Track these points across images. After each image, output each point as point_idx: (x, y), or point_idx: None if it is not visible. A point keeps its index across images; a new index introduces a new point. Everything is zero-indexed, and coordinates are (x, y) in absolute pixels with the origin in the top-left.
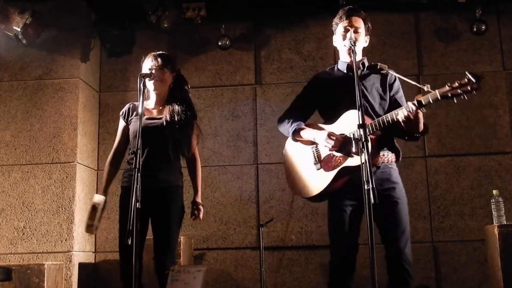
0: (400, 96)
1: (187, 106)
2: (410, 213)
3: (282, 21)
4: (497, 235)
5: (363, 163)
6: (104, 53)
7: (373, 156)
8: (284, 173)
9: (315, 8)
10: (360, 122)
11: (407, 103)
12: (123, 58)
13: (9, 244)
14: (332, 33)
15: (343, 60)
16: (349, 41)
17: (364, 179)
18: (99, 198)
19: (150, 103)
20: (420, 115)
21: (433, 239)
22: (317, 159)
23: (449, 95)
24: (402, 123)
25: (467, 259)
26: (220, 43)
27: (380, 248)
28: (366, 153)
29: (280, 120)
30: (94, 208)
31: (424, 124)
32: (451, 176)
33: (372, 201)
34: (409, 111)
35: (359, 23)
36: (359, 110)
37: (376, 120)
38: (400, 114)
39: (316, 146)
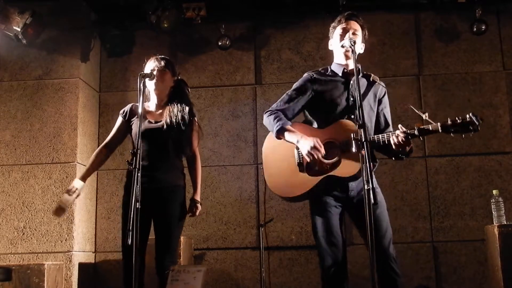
0: (387, 111)
1: (185, 106)
2: (410, 213)
3: (282, 21)
4: (497, 235)
5: (363, 163)
6: (104, 53)
7: (357, 168)
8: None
9: (315, 8)
10: (360, 122)
11: (405, 129)
12: (123, 58)
13: (9, 244)
14: None
15: (338, 62)
16: (348, 41)
17: (364, 179)
18: (79, 183)
19: (151, 105)
20: (410, 140)
21: (433, 239)
22: (301, 161)
23: (450, 129)
24: (393, 146)
25: (467, 259)
26: (220, 43)
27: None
28: (366, 153)
29: (268, 113)
30: (70, 191)
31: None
32: (451, 176)
33: (372, 201)
34: (404, 136)
35: (357, 27)
36: (359, 110)
37: (373, 137)
38: (394, 138)
39: None
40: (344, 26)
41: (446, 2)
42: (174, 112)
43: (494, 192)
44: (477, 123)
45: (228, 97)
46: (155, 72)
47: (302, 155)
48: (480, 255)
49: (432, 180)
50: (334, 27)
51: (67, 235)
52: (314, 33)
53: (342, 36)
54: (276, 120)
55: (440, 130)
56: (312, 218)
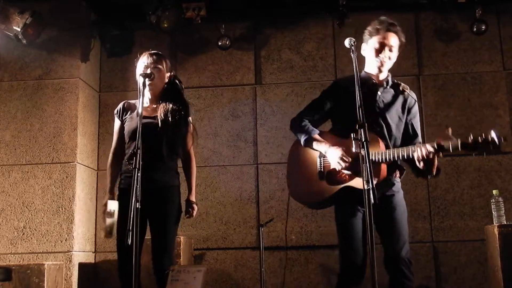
0: (416, 121)
1: (181, 105)
2: (410, 213)
3: (282, 21)
4: (497, 235)
5: (363, 163)
6: (104, 53)
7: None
8: (285, 173)
9: (315, 8)
10: (361, 122)
11: (425, 144)
12: (123, 58)
13: (9, 244)
14: (332, 32)
15: (369, 71)
16: (349, 40)
17: (365, 179)
18: (114, 204)
19: (145, 100)
20: (436, 158)
21: (433, 239)
22: (323, 169)
23: (470, 148)
24: (417, 162)
25: (467, 259)
26: (220, 43)
27: (380, 249)
28: (366, 153)
29: (294, 122)
30: (110, 214)
31: (437, 167)
32: (451, 176)
33: (372, 201)
34: (427, 153)
35: (395, 42)
36: (359, 110)
37: (391, 151)
38: (417, 153)
39: (325, 157)
40: (382, 40)
41: (446, 2)
42: (169, 109)
43: (494, 192)
44: (498, 142)
45: (228, 97)
46: (148, 70)
47: (324, 163)
48: (480, 255)
49: (432, 180)
50: (371, 34)
51: (67, 235)
52: (314, 33)
53: (377, 51)
54: (304, 129)
55: (459, 148)
56: (336, 218)
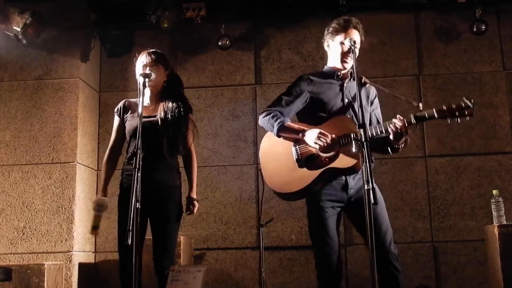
0: (379, 112)
1: (180, 102)
2: (410, 213)
3: (282, 21)
4: (497, 235)
5: (363, 163)
6: (104, 53)
7: (355, 160)
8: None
9: (315, 8)
10: (361, 122)
11: (401, 117)
12: (123, 58)
13: (9, 244)
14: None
15: (333, 66)
16: (349, 40)
17: (364, 179)
18: (103, 200)
19: (145, 99)
20: (408, 131)
21: (433, 239)
22: (300, 157)
23: (446, 114)
24: (392, 134)
25: (467, 259)
26: (220, 43)
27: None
28: (366, 153)
29: (264, 113)
30: (99, 210)
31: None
32: (451, 176)
33: (372, 201)
34: (403, 125)
35: (359, 38)
36: (359, 110)
37: (372, 127)
38: (392, 126)
39: (300, 144)
40: (349, 37)
41: (446, 2)
42: (169, 107)
43: (494, 192)
44: (471, 106)
45: (228, 97)
46: (147, 69)
47: (300, 151)
48: (480, 255)
49: (432, 180)
50: (338, 31)
51: (67, 235)
52: (314, 33)
53: (342, 46)
54: (275, 118)
55: (436, 116)
56: (309, 218)
